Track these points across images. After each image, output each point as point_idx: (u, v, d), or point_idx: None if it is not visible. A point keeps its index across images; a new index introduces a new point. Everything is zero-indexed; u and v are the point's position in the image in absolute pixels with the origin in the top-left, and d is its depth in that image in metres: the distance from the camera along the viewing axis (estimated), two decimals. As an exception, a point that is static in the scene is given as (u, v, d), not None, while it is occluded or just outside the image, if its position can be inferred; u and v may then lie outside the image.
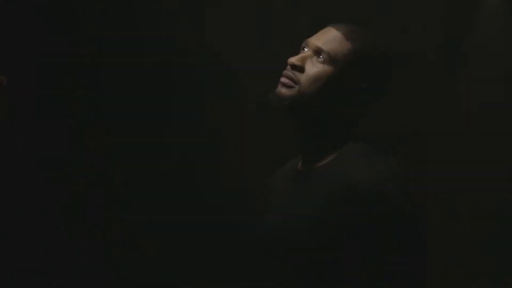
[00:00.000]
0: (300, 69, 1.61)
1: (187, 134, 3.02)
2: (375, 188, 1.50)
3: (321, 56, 1.61)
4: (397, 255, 1.49)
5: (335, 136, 1.64)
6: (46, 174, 2.81)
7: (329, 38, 1.62)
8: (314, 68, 1.61)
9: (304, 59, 1.62)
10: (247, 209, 2.27)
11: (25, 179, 2.68)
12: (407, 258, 1.50)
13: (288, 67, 1.63)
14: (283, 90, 1.61)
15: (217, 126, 2.99)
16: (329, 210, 1.54)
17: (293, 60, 1.62)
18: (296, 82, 1.61)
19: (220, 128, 2.98)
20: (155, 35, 3.01)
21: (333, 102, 1.62)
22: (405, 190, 1.54)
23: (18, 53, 2.83)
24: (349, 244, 1.51)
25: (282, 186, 1.76)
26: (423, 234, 1.54)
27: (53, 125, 2.93)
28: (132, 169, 3.00)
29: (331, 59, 1.60)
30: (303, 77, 1.60)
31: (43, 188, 2.74)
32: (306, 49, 1.65)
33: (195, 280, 2.88)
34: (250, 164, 2.80)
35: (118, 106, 3.01)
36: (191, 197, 2.99)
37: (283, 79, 1.62)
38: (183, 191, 3.01)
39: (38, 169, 2.72)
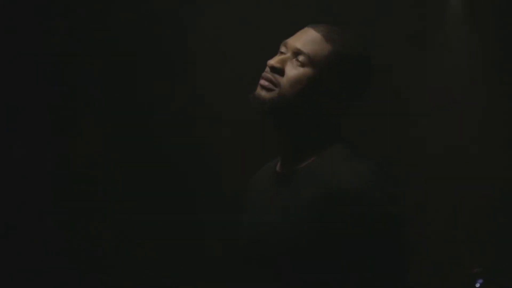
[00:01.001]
0: (280, 71, 1.59)
1: (169, 135, 2.99)
2: (356, 191, 1.49)
3: (300, 58, 1.59)
4: (379, 257, 1.48)
5: (315, 139, 1.63)
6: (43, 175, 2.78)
7: (308, 39, 1.60)
8: (294, 70, 1.59)
9: (283, 61, 1.60)
10: (226, 210, 2.24)
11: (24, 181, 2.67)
12: (389, 260, 1.49)
13: (267, 69, 1.61)
14: (263, 93, 1.59)
15: (196, 125, 2.96)
16: (309, 213, 1.52)
17: (272, 62, 1.60)
18: (276, 85, 1.59)
19: (199, 128, 2.95)
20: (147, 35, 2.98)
21: (313, 105, 1.60)
22: (387, 192, 1.52)
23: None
24: (330, 247, 1.50)
25: (260, 188, 1.74)
26: (406, 237, 1.52)
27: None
28: (118, 170, 2.97)
29: (310, 61, 1.58)
30: (283, 80, 1.58)
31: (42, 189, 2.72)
32: (284, 51, 1.62)
33: (180, 280, 2.86)
34: (230, 165, 2.77)
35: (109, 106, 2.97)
36: (174, 197, 2.97)
37: (262, 82, 1.60)
38: (167, 191, 2.99)
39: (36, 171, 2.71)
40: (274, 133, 1.67)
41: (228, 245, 1.93)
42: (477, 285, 2.82)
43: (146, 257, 2.93)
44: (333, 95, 1.61)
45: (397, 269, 1.50)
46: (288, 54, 1.61)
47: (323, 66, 1.59)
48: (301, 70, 1.59)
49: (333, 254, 1.50)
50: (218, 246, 2.68)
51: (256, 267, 1.64)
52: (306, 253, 1.52)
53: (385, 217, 1.50)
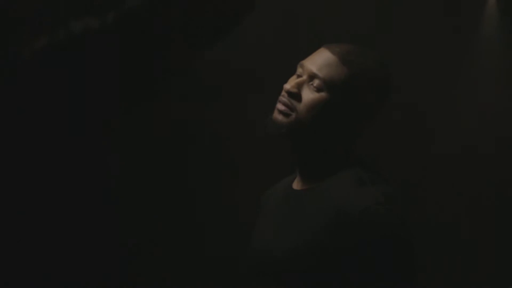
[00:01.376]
0: (296, 96, 1.59)
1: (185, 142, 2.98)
2: (365, 213, 1.51)
3: (316, 83, 1.58)
4: (387, 279, 1.50)
5: (331, 160, 1.64)
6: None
7: (324, 63, 1.59)
8: (310, 95, 1.59)
9: (300, 85, 1.60)
10: (240, 225, 2.24)
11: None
12: (397, 281, 1.51)
13: (284, 93, 1.61)
14: (280, 117, 1.60)
15: (216, 138, 2.95)
16: (319, 232, 1.54)
17: (288, 87, 1.60)
18: (292, 109, 1.59)
19: (219, 141, 2.94)
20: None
21: (330, 128, 1.61)
22: (399, 215, 1.54)
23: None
24: (338, 266, 1.53)
25: (274, 202, 1.75)
26: (414, 259, 1.55)
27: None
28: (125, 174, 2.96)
29: (326, 86, 1.58)
30: (300, 105, 1.59)
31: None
32: (300, 73, 1.62)
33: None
34: (247, 180, 2.77)
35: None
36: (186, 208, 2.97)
37: (279, 106, 1.61)
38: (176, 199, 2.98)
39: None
40: (291, 154, 1.68)
41: (239, 258, 1.93)
42: None
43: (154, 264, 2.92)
44: (350, 117, 1.62)
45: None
46: (304, 77, 1.60)
47: (340, 90, 1.58)
48: (317, 95, 1.58)
49: (341, 272, 1.53)
50: (229, 258, 2.68)
51: (266, 284, 1.65)
52: (316, 270, 1.54)
53: (396, 239, 1.53)
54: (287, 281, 1.58)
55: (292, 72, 1.66)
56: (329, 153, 1.64)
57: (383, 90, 1.66)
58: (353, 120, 1.62)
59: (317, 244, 1.54)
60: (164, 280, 2.83)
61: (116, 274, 2.75)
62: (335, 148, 1.64)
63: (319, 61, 1.60)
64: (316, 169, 1.65)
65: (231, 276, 2.11)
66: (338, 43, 1.66)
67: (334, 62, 1.59)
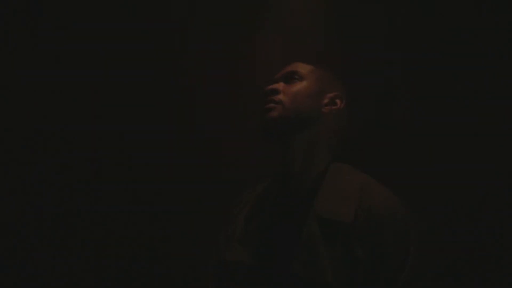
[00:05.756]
0: (278, 91, 1.76)
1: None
2: (390, 211, 1.58)
3: (293, 77, 1.79)
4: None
5: (319, 158, 1.74)
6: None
7: (293, 65, 1.84)
8: (290, 86, 1.78)
9: (278, 85, 1.79)
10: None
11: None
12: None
13: (266, 94, 1.77)
14: (270, 114, 1.73)
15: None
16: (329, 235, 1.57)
17: (270, 86, 1.79)
18: (278, 102, 1.74)
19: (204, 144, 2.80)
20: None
21: (314, 116, 1.75)
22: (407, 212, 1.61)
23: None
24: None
25: (258, 213, 1.75)
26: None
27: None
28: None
29: (302, 76, 1.80)
30: (283, 97, 1.75)
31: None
32: (276, 81, 1.82)
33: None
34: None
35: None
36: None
37: (267, 106, 1.75)
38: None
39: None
40: (280, 154, 1.77)
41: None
42: None
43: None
44: (329, 104, 1.79)
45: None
46: (281, 82, 1.80)
47: (313, 79, 1.80)
48: (297, 84, 1.78)
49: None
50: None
51: None
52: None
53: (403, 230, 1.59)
54: None
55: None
56: (316, 150, 1.74)
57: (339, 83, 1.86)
58: (332, 106, 1.79)
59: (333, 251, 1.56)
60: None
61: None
62: (321, 145, 1.75)
63: (289, 66, 1.84)
64: (304, 169, 1.73)
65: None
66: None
67: (301, 64, 1.85)
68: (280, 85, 1.78)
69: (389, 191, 1.66)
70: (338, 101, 1.81)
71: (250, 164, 2.35)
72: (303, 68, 1.82)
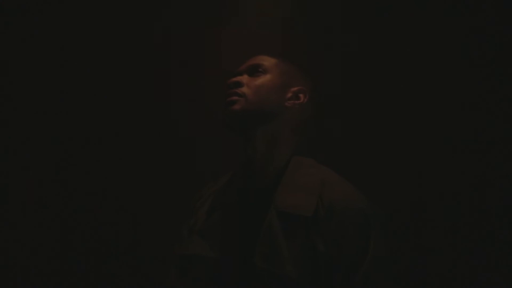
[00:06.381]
0: (241, 84, 1.76)
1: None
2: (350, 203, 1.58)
3: (256, 69, 1.79)
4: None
5: (281, 152, 1.74)
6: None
7: (257, 58, 1.84)
8: (254, 79, 1.77)
9: (241, 77, 1.79)
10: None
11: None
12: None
13: (229, 85, 1.76)
14: (233, 107, 1.72)
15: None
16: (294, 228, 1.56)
17: (233, 79, 1.78)
18: (241, 95, 1.74)
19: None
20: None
21: (277, 110, 1.75)
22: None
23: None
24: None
25: (221, 207, 1.74)
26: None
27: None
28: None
29: (266, 69, 1.79)
30: (246, 89, 1.75)
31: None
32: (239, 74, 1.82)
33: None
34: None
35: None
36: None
37: (229, 98, 1.74)
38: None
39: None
40: (243, 146, 1.77)
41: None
42: None
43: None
44: (292, 97, 1.79)
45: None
46: (244, 74, 1.80)
47: (276, 72, 1.80)
48: (260, 77, 1.78)
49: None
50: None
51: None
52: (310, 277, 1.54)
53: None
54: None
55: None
56: (280, 143, 1.75)
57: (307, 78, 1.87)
58: (295, 100, 1.79)
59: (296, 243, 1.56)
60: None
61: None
62: (284, 138, 1.76)
63: (252, 59, 1.84)
64: (267, 163, 1.73)
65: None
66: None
67: (264, 56, 1.84)
68: (244, 78, 1.78)
69: (351, 185, 1.66)
70: (301, 95, 1.81)
71: (223, 157, 2.33)
72: (267, 61, 1.82)
